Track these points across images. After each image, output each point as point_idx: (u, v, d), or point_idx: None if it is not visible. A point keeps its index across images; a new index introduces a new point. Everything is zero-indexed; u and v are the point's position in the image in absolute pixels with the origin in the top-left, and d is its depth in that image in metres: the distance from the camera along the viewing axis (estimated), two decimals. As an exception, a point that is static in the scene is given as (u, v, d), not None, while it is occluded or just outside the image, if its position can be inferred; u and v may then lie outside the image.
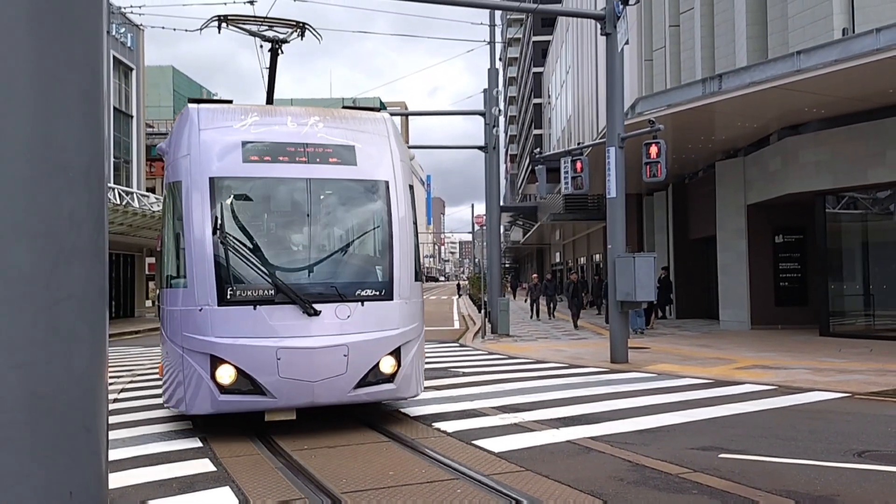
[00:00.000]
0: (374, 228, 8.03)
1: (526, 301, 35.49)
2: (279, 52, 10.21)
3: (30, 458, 1.80)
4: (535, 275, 41.37)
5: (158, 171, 46.92)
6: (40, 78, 1.83)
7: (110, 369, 7.21)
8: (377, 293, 7.62)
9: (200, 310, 7.11)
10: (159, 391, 8.69)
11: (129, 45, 37.59)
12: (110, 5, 28.34)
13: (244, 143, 7.72)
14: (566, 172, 16.81)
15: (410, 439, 7.24)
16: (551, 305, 29.21)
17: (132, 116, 39.00)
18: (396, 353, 7.58)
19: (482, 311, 22.79)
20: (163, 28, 33.47)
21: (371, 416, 8.33)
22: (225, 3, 16.50)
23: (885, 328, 16.58)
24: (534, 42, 70.63)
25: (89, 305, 1.94)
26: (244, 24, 9.77)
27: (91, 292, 1.94)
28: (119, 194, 26.21)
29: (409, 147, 20.13)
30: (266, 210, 7.95)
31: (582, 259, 44.07)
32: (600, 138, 19.30)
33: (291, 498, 5.39)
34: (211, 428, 7.76)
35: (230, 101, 8.39)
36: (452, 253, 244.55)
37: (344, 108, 8.89)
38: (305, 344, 7.11)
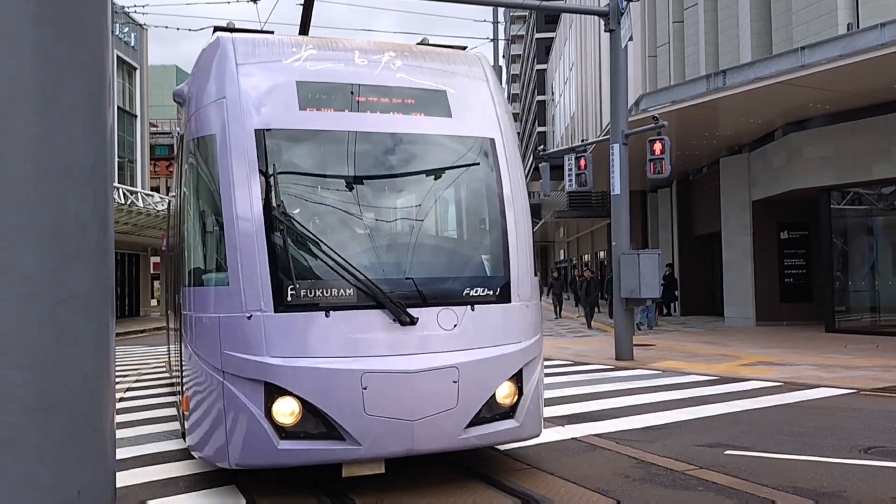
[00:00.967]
0: (481, 202, 6.06)
1: None
2: None
3: (37, 458, 1.80)
4: (537, 274, 41.19)
5: (163, 170, 46.93)
6: (46, 79, 1.82)
7: (116, 369, 7.18)
8: (491, 293, 5.58)
9: (249, 317, 5.05)
10: (178, 425, 7.36)
11: (132, 44, 37.72)
12: (114, 6, 28.37)
13: (301, 85, 5.70)
14: (570, 169, 16.81)
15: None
16: (558, 308, 27.77)
17: (136, 116, 39.15)
18: (517, 377, 5.52)
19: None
20: (166, 28, 33.44)
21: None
22: (228, 3, 16.50)
23: (891, 324, 16.54)
24: (537, 39, 70.49)
25: (95, 305, 1.94)
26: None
27: (97, 292, 1.94)
28: (123, 194, 26.29)
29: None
30: (336, 176, 5.76)
31: (586, 256, 44.04)
32: (604, 135, 19.29)
33: None
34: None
35: (271, 32, 6.23)
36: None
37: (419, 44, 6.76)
38: (401, 366, 5.06)
